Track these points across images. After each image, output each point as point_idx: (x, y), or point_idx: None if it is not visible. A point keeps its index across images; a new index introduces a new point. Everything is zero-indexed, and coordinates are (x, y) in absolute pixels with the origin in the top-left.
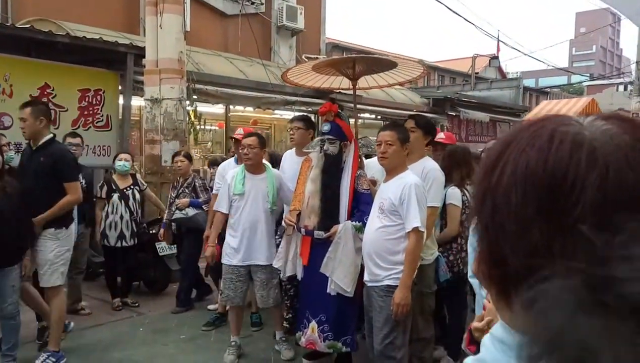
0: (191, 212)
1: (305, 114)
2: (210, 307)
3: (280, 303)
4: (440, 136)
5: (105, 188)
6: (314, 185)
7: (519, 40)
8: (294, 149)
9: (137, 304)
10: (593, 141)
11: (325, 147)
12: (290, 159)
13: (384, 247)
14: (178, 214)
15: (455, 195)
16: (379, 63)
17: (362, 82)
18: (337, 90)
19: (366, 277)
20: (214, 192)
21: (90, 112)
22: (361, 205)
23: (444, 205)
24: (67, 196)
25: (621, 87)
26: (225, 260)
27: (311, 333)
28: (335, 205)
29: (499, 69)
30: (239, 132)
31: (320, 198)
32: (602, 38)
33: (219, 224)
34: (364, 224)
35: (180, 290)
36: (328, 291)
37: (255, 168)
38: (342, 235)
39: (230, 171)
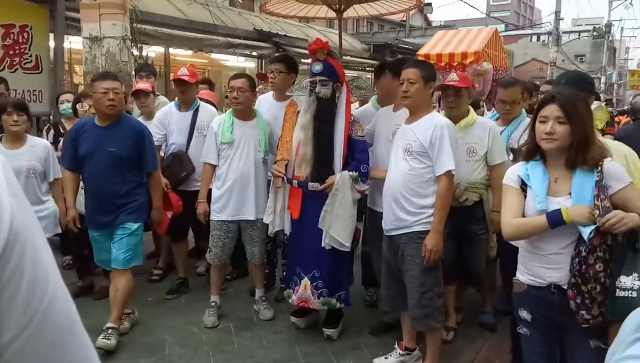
0: None
1: (285, 54)
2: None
3: (264, 261)
4: (453, 78)
5: (52, 131)
6: (304, 132)
7: None
8: (271, 93)
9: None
10: None
11: (317, 90)
12: (266, 104)
13: (412, 191)
14: None
15: None
16: None
17: (350, 11)
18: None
19: (389, 226)
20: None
21: (17, 51)
22: (356, 153)
23: None
24: None
25: (534, 38)
26: (212, 216)
27: (304, 290)
28: (329, 154)
29: (425, 18)
30: (183, 72)
31: (313, 146)
32: None
33: (209, 177)
34: (361, 174)
35: None
36: (323, 245)
37: (245, 113)
38: (340, 186)
39: (215, 118)
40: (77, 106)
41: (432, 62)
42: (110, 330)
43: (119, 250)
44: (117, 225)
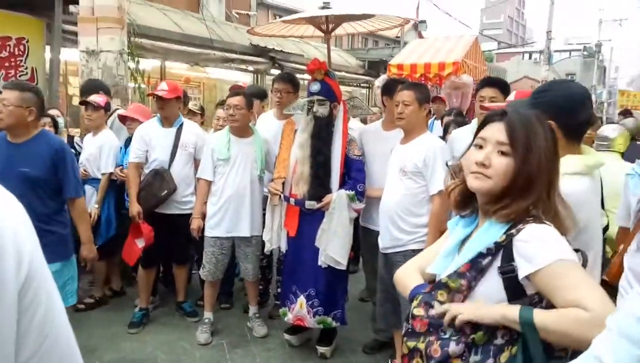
0: None
1: (289, 73)
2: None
3: (258, 278)
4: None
5: None
6: (302, 151)
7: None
8: (272, 111)
9: None
10: None
11: (314, 109)
12: (268, 123)
13: (407, 211)
14: None
15: None
16: (354, 16)
17: (338, 29)
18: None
19: (386, 244)
20: (131, 159)
21: (12, 63)
22: (353, 173)
23: None
24: None
25: (526, 56)
26: (207, 231)
27: (299, 309)
28: (326, 173)
29: (419, 34)
30: (163, 88)
31: (310, 165)
32: (510, 7)
33: (204, 193)
34: (357, 192)
35: None
36: (319, 264)
37: (241, 131)
38: (337, 205)
39: (214, 135)
40: None
41: (405, 73)
42: None
43: None
44: None
